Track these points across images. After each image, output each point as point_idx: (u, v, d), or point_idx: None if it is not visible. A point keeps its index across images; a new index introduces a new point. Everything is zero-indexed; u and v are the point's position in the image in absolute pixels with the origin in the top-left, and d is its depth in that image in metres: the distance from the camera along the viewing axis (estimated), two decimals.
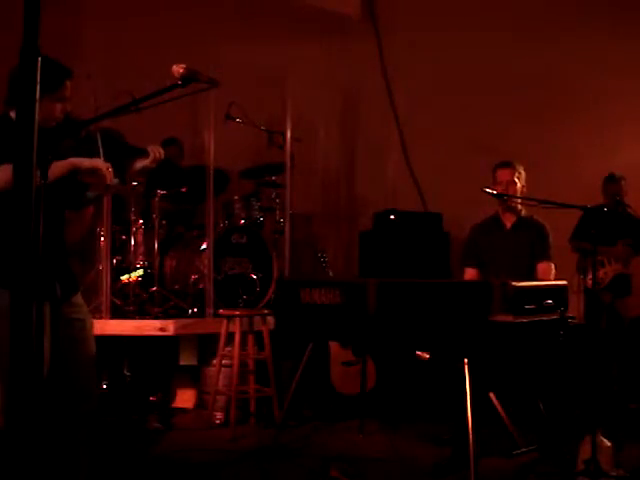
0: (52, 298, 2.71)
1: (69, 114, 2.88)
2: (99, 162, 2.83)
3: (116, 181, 3.11)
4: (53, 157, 2.72)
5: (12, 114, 2.76)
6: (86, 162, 2.79)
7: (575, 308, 4.78)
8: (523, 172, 4.23)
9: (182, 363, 5.35)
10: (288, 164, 5.38)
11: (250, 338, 4.76)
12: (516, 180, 4.18)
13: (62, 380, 2.78)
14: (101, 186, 2.87)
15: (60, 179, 2.70)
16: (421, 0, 6.47)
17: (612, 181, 5.42)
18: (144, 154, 3.13)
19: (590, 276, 5.18)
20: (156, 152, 3.12)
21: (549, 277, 4.08)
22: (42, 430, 2.37)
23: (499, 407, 4.00)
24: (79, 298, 2.92)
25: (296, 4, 6.41)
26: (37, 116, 1.39)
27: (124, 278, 5.15)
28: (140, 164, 3.14)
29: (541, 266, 4.15)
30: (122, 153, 3.18)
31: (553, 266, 4.17)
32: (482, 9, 6.25)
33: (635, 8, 5.93)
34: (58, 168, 2.68)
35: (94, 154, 2.94)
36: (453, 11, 6.34)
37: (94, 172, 2.81)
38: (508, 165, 4.21)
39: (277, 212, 5.66)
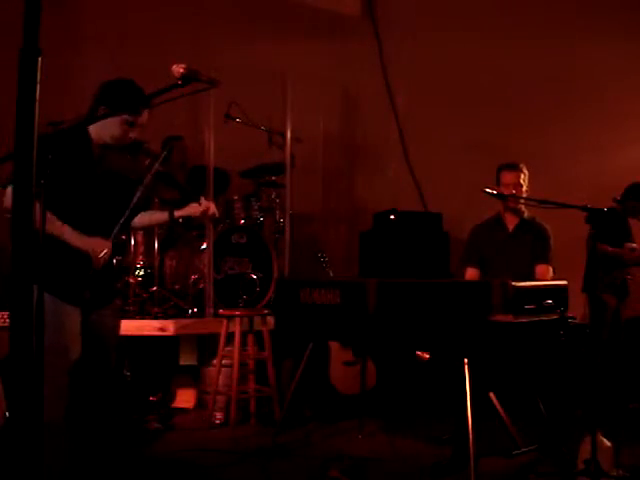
0: (85, 305, 2.90)
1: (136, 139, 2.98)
2: (93, 246, 2.88)
3: (165, 217, 3.26)
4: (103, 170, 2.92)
5: (90, 128, 2.89)
6: (78, 242, 2.85)
7: (580, 310, 4.75)
8: (527, 173, 4.23)
9: (182, 363, 5.35)
10: (288, 164, 5.38)
11: (250, 338, 4.76)
12: (522, 182, 4.17)
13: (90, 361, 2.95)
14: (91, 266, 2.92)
15: None
16: (421, 0, 6.48)
17: None
18: (196, 201, 3.22)
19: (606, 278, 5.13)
20: (209, 208, 3.22)
21: (546, 280, 4.08)
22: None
23: (499, 407, 4.00)
24: (114, 307, 3.12)
25: (296, 4, 6.41)
26: (37, 116, 1.39)
27: (131, 277, 5.12)
28: (192, 210, 3.23)
29: (539, 268, 4.15)
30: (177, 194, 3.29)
31: (551, 269, 4.18)
32: (482, 9, 6.25)
33: (636, 8, 5.93)
34: (63, 234, 2.80)
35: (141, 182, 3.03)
36: (453, 11, 6.34)
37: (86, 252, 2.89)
38: (515, 168, 4.18)
39: (277, 212, 5.66)
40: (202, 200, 3.24)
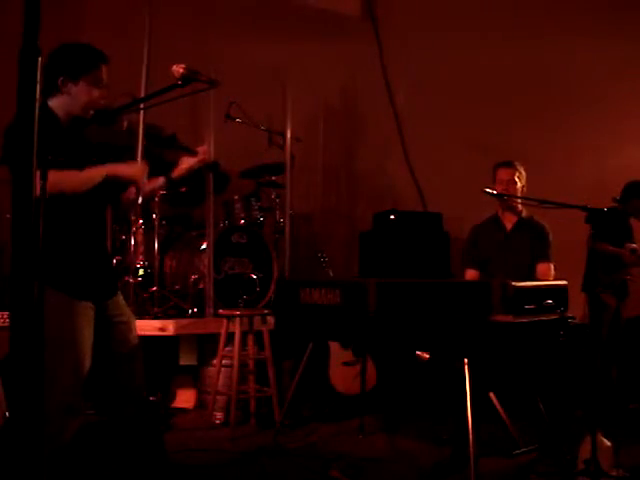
0: (97, 298, 2.77)
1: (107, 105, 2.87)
2: (137, 170, 2.83)
3: (161, 181, 3.12)
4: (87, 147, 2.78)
5: (50, 103, 2.75)
6: (124, 170, 2.78)
7: (580, 310, 4.76)
8: (523, 172, 4.24)
9: (182, 363, 5.35)
10: (288, 164, 5.38)
11: (250, 338, 4.76)
12: (516, 180, 4.19)
13: (114, 380, 2.87)
14: (132, 197, 2.86)
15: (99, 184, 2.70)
16: (421, 0, 6.48)
17: None
18: (191, 154, 3.16)
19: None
20: (206, 153, 3.16)
21: (548, 278, 4.09)
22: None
23: (499, 407, 4.00)
24: (121, 299, 2.94)
25: (296, 4, 6.41)
26: (37, 115, 1.39)
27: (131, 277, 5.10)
28: (186, 164, 3.15)
29: (540, 266, 4.15)
30: (165, 151, 3.19)
31: (552, 267, 4.18)
32: (482, 9, 6.25)
33: (635, 8, 5.92)
34: (94, 175, 2.68)
35: (132, 149, 2.93)
36: (453, 11, 6.34)
37: (131, 181, 2.82)
38: (509, 165, 4.23)
39: (277, 212, 5.67)
40: (201, 149, 3.16)
